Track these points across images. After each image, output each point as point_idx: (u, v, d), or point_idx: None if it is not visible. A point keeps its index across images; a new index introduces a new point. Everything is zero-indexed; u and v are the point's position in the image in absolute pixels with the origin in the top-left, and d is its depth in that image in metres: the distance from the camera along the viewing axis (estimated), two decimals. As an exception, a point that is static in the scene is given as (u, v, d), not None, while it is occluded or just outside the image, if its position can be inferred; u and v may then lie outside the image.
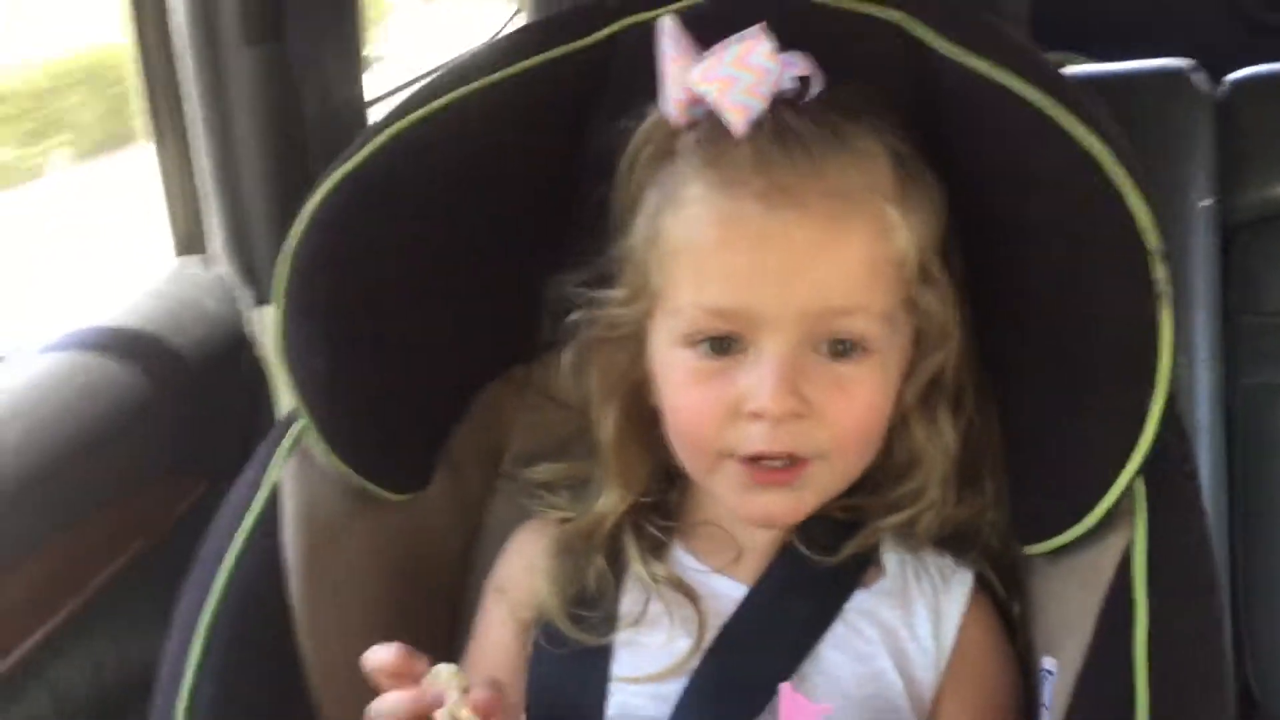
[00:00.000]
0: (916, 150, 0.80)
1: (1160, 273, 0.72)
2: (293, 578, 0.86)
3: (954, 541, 0.85)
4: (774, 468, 0.78)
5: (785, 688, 0.71)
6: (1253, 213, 1.22)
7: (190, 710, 0.82)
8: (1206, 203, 1.16)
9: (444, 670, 0.70)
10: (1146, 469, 0.75)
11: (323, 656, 0.86)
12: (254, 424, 1.20)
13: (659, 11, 0.87)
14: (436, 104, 0.86)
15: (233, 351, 1.21)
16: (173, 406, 1.12)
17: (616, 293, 0.83)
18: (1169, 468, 0.77)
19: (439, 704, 0.68)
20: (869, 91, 0.80)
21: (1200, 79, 1.22)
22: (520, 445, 0.98)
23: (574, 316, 0.85)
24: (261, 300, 1.24)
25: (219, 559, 0.87)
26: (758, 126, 0.76)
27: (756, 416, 0.76)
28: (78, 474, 1.01)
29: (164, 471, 1.11)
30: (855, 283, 0.76)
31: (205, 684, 0.83)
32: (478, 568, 0.95)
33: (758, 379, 0.75)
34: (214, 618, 0.84)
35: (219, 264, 1.22)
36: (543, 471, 0.94)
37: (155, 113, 1.17)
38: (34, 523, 0.97)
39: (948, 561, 0.84)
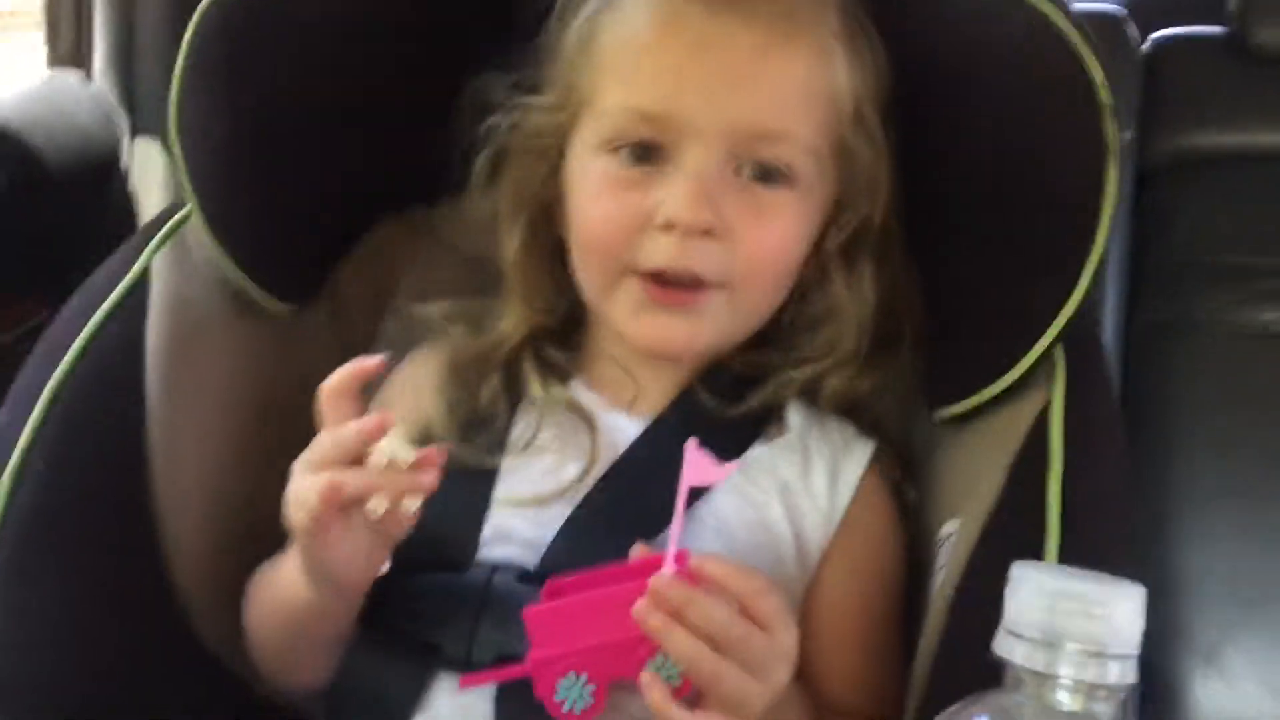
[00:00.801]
0: (865, 13, 0.79)
1: (1110, 128, 0.72)
2: (151, 365, 0.80)
3: (855, 414, 0.83)
4: (674, 286, 0.74)
5: (691, 443, 0.66)
6: (1166, 158, 1.27)
7: (17, 477, 0.75)
8: (1128, 135, 1.20)
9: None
10: (1066, 337, 0.75)
11: (172, 458, 0.80)
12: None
13: None
14: None
15: (101, 177, 1.12)
16: (22, 216, 1.03)
17: (542, 99, 0.79)
18: (1087, 338, 0.77)
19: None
20: None
21: (1133, 29, 1.26)
22: (410, 290, 0.92)
23: (494, 119, 0.81)
24: (139, 129, 1.16)
25: (70, 334, 0.80)
26: None
27: (668, 228, 0.72)
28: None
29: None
30: (789, 105, 0.73)
31: (37, 455, 0.76)
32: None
33: (674, 188, 0.72)
34: (57, 389, 0.78)
35: (100, 82, 1.13)
36: (435, 308, 0.88)
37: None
38: None
39: (850, 429, 0.82)
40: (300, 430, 0.87)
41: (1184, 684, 1.20)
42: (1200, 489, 1.15)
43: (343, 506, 0.65)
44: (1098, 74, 0.73)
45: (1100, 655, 0.39)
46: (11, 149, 1.02)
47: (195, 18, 0.79)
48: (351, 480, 0.65)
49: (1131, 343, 1.21)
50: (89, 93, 1.12)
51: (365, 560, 0.69)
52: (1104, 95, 0.73)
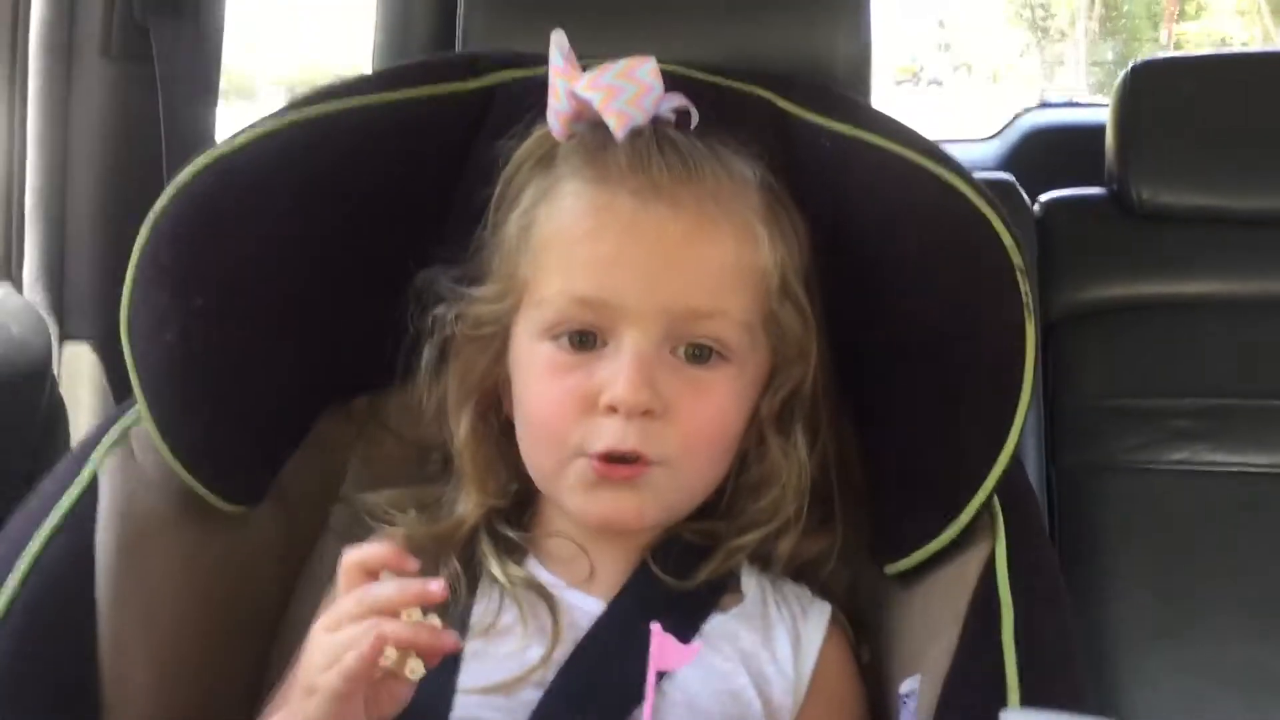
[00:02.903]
0: (783, 189, 0.84)
1: (1024, 286, 0.78)
2: (101, 577, 0.79)
3: (808, 575, 0.85)
4: (619, 462, 0.77)
5: (656, 628, 0.67)
6: (1064, 310, 1.35)
7: None
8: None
9: None
10: (1000, 489, 0.78)
11: (120, 669, 0.78)
12: (44, 466, 1.10)
13: (539, 70, 0.91)
14: (311, 111, 0.86)
15: (32, 385, 1.11)
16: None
17: (485, 289, 0.82)
18: (1019, 490, 0.81)
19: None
20: (743, 137, 0.84)
21: (1022, 193, 1.36)
22: (357, 478, 0.93)
23: (439, 310, 0.84)
24: (68, 335, 1.16)
25: (20, 547, 0.79)
26: (638, 134, 0.79)
27: (611, 410, 0.75)
28: None
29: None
30: (719, 285, 0.78)
31: None
32: (296, 614, 0.89)
33: (615, 371, 0.75)
34: (8, 606, 0.76)
35: (29, 292, 1.14)
36: (384, 496, 0.89)
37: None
38: None
39: (806, 592, 0.84)
40: (240, 622, 0.87)
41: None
42: (1136, 627, 1.18)
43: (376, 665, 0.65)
44: (1008, 238, 0.78)
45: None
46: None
47: (147, 224, 0.81)
48: (393, 632, 0.65)
49: (1054, 486, 1.27)
50: (19, 303, 1.13)
51: None
52: (1015, 258, 0.78)
